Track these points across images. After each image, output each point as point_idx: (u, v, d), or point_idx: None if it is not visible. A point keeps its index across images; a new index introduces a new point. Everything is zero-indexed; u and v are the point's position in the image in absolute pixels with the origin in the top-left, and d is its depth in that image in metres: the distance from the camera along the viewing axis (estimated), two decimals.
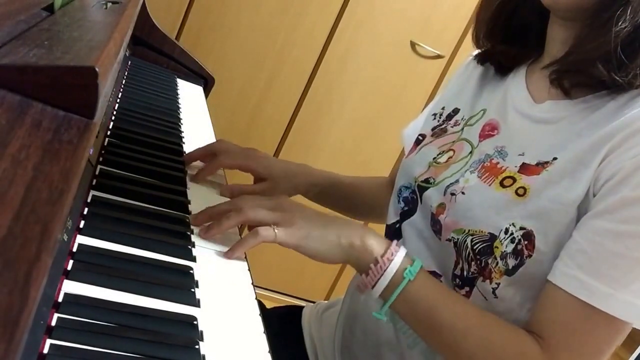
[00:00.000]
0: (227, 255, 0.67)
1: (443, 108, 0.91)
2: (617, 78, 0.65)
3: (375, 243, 0.71)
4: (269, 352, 0.56)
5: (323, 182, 1.02)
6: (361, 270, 0.71)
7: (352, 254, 0.71)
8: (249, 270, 0.68)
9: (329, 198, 1.05)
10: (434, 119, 0.91)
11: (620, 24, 0.64)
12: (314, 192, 1.01)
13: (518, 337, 0.67)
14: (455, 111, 0.88)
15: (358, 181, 1.09)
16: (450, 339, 0.68)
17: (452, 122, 0.87)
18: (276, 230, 0.68)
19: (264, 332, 0.59)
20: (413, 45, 2.07)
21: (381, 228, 0.90)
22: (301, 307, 1.05)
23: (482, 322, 0.69)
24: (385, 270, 0.69)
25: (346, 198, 1.06)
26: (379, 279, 0.69)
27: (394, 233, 0.85)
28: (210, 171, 0.88)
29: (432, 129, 0.89)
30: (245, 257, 0.70)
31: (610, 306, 0.62)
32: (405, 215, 0.84)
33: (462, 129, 0.84)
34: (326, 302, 1.03)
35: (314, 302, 1.06)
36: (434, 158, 0.83)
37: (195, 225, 0.70)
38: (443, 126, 0.88)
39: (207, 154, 0.91)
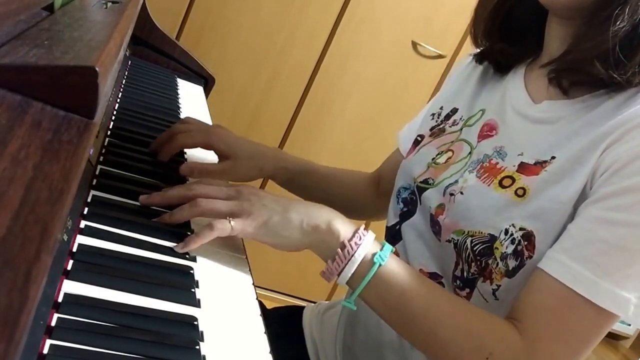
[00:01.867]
0: (178, 248, 0.63)
1: (441, 108, 0.90)
2: (616, 76, 0.65)
3: (341, 227, 0.67)
4: (269, 352, 0.56)
5: (294, 167, 0.97)
6: (326, 256, 0.67)
7: (315, 238, 0.67)
8: (249, 270, 0.68)
9: (301, 186, 1.00)
10: (432, 118, 0.91)
11: (618, 22, 0.64)
12: (283, 177, 0.96)
13: (496, 324, 0.65)
14: (454, 111, 0.88)
15: (336, 173, 1.04)
16: (425, 328, 0.65)
17: (450, 122, 0.87)
18: (232, 223, 0.64)
19: (265, 333, 0.59)
20: (414, 45, 2.07)
21: (379, 229, 0.90)
22: (302, 308, 1.05)
23: (458, 309, 0.67)
24: (352, 255, 0.65)
25: (320, 189, 1.01)
26: (346, 264, 0.65)
27: (394, 235, 0.85)
28: (168, 151, 0.84)
29: (431, 129, 0.89)
30: (246, 257, 0.70)
31: (592, 294, 0.61)
32: (405, 216, 0.84)
33: (461, 129, 0.84)
34: (327, 302, 1.03)
35: (315, 303, 1.06)
36: (432, 159, 0.83)
37: (144, 204, 0.67)
38: (441, 126, 0.88)
39: (168, 137, 0.86)
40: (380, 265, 0.66)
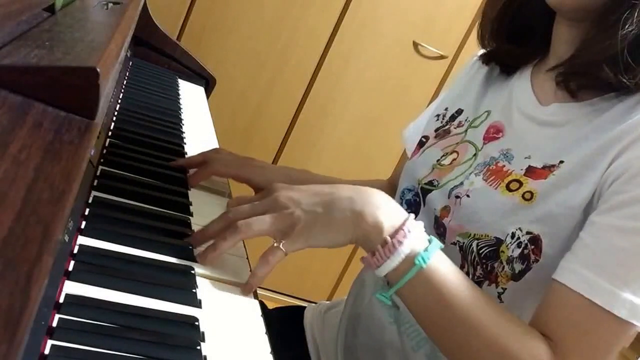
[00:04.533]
0: (245, 289, 0.63)
1: (446, 109, 0.90)
2: (624, 80, 0.65)
3: (386, 219, 0.63)
4: (270, 352, 0.56)
5: None
6: (368, 248, 0.64)
7: (360, 233, 0.64)
8: (250, 270, 0.68)
9: None
10: (437, 119, 0.90)
11: (627, 26, 0.63)
12: None
13: (531, 339, 0.64)
14: (459, 112, 0.87)
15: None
16: (460, 337, 0.63)
17: (455, 123, 0.86)
18: (282, 247, 0.63)
19: (266, 333, 0.59)
20: (416, 45, 2.07)
21: None
22: (303, 308, 1.05)
23: (496, 321, 0.64)
24: (393, 254, 0.62)
25: None
26: (384, 262, 0.63)
27: None
28: (200, 177, 0.85)
29: (436, 130, 0.89)
30: (247, 258, 0.70)
31: (611, 304, 0.60)
32: None
33: (466, 130, 0.83)
34: (328, 302, 1.03)
35: (316, 303, 1.06)
36: (437, 160, 0.83)
37: (196, 246, 0.66)
38: (446, 127, 0.87)
39: (199, 161, 0.88)
40: (421, 268, 0.63)
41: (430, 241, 0.65)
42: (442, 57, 2.10)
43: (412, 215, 0.65)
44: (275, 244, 0.63)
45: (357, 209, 0.64)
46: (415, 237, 0.63)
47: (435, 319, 0.64)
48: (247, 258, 0.70)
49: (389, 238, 0.63)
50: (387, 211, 0.65)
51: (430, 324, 0.66)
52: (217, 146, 1.07)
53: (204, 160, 0.88)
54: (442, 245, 0.65)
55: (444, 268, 0.64)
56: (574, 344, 0.62)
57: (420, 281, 0.63)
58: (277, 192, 0.66)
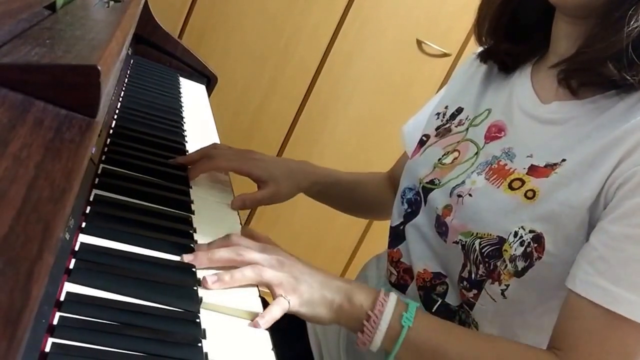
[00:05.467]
0: (256, 325, 0.61)
1: (446, 107, 0.90)
2: (628, 78, 0.64)
3: (362, 298, 0.68)
4: (272, 349, 0.56)
5: (324, 180, 1.00)
6: (355, 329, 0.68)
7: (342, 315, 0.68)
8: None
9: (330, 196, 1.04)
10: (438, 118, 0.90)
11: (632, 22, 0.63)
12: (315, 190, 0.99)
13: (534, 356, 0.65)
14: (459, 110, 0.87)
15: (358, 178, 1.07)
16: None
17: (456, 121, 0.86)
18: (289, 300, 0.65)
19: (267, 330, 0.59)
20: (419, 43, 2.07)
21: (384, 229, 0.90)
22: None
23: (493, 347, 0.67)
24: (379, 324, 0.67)
25: (347, 197, 1.05)
26: (374, 333, 0.67)
27: (398, 235, 0.85)
28: (202, 170, 0.86)
29: (436, 129, 0.88)
30: None
31: (633, 312, 0.61)
32: (409, 217, 0.84)
33: (467, 129, 0.83)
34: None
35: None
36: (438, 159, 0.82)
37: (198, 265, 0.64)
38: (447, 126, 0.87)
39: (200, 157, 0.88)
40: (409, 327, 0.66)
41: (407, 303, 0.69)
42: (445, 54, 2.09)
43: (382, 290, 0.69)
44: (281, 296, 0.65)
45: (336, 294, 0.68)
46: (392, 304, 0.68)
47: None
48: None
49: (370, 312, 0.67)
50: (358, 291, 0.69)
51: None
52: None
53: (203, 156, 0.88)
54: (419, 304, 0.70)
55: (429, 321, 0.69)
56: (589, 355, 0.63)
57: (412, 339, 0.67)
58: (284, 259, 0.68)
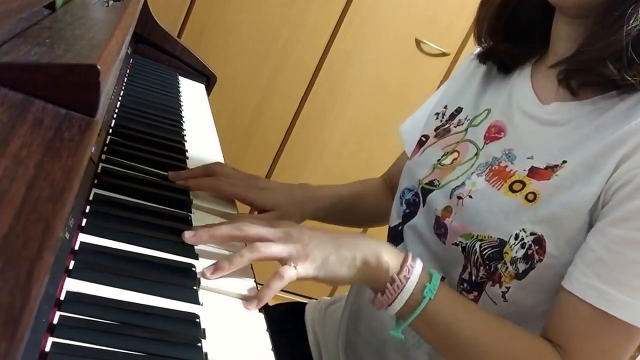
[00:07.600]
0: (251, 306, 0.61)
1: (445, 107, 0.89)
2: (628, 77, 0.64)
3: (390, 259, 0.67)
4: (271, 349, 0.56)
5: (327, 204, 0.97)
6: (376, 289, 0.68)
7: (366, 274, 0.67)
8: (251, 267, 0.68)
9: (334, 217, 1.01)
10: (437, 118, 0.90)
11: (632, 22, 0.63)
12: (319, 215, 0.97)
13: (541, 350, 0.66)
14: (458, 110, 0.87)
15: (357, 191, 1.04)
16: (472, 356, 0.67)
17: (455, 121, 0.86)
18: (297, 267, 0.64)
19: (267, 329, 0.59)
20: (418, 42, 2.07)
21: (382, 229, 0.89)
22: (304, 304, 1.05)
23: (504, 336, 0.67)
24: (402, 289, 0.66)
25: (348, 212, 1.03)
26: (395, 298, 0.66)
27: (396, 235, 0.85)
28: (204, 187, 0.82)
29: (435, 129, 0.88)
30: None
31: (629, 315, 0.61)
32: (407, 217, 0.83)
33: (466, 129, 0.83)
34: (329, 298, 1.03)
35: (317, 299, 1.06)
36: (438, 160, 0.82)
37: (192, 242, 0.65)
38: (446, 126, 0.87)
39: (204, 174, 0.84)
40: (430, 299, 0.66)
41: (431, 274, 0.68)
42: (444, 54, 2.09)
43: (411, 255, 0.68)
44: (289, 264, 0.64)
45: (363, 251, 0.67)
46: (418, 273, 0.67)
47: (447, 343, 0.68)
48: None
49: (395, 275, 0.66)
50: (388, 252, 0.68)
51: (444, 347, 0.69)
52: (218, 144, 1.07)
53: (208, 173, 0.85)
54: (442, 275, 0.68)
55: (448, 295, 0.68)
56: (587, 355, 0.64)
57: (430, 312, 0.66)
58: (290, 229, 0.68)
